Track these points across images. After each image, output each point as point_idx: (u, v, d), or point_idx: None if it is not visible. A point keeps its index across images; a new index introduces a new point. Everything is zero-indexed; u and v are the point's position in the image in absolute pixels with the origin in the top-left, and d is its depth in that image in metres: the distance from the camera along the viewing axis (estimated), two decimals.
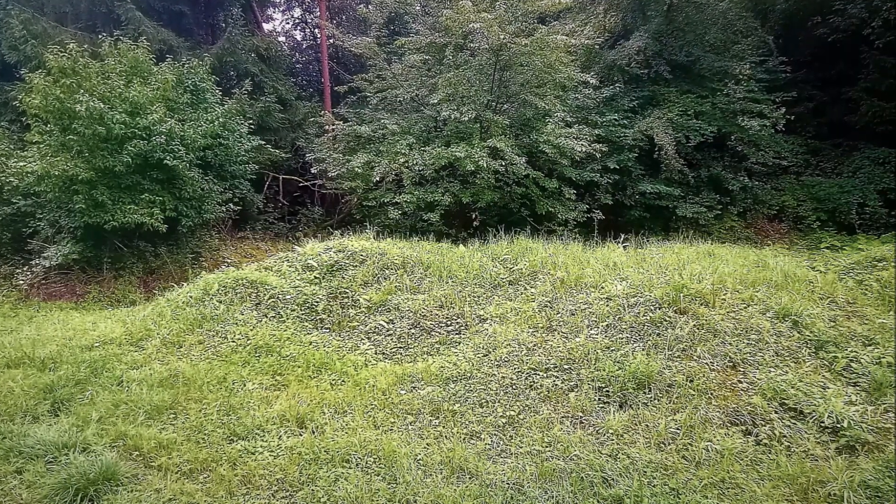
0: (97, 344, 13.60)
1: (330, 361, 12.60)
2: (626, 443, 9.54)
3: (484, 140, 25.57)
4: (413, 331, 13.58)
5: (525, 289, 14.35)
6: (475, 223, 26.11)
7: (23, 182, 21.62)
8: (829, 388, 10.42)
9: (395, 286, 14.99)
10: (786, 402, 10.10)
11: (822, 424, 9.67)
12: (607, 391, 10.62)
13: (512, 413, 10.42)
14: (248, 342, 13.33)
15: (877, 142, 30.32)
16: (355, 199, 31.25)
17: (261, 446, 9.75)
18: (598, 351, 11.46)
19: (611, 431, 9.85)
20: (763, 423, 9.81)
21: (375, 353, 13.06)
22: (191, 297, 15.27)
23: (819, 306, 12.57)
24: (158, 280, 23.61)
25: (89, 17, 32.74)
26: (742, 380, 10.64)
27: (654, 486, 8.44)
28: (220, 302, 14.74)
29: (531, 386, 11.06)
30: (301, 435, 10.09)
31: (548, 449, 9.52)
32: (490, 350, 12.26)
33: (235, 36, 35.00)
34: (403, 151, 26.17)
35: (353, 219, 31.80)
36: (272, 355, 12.86)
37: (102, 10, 31.72)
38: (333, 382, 11.87)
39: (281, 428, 10.28)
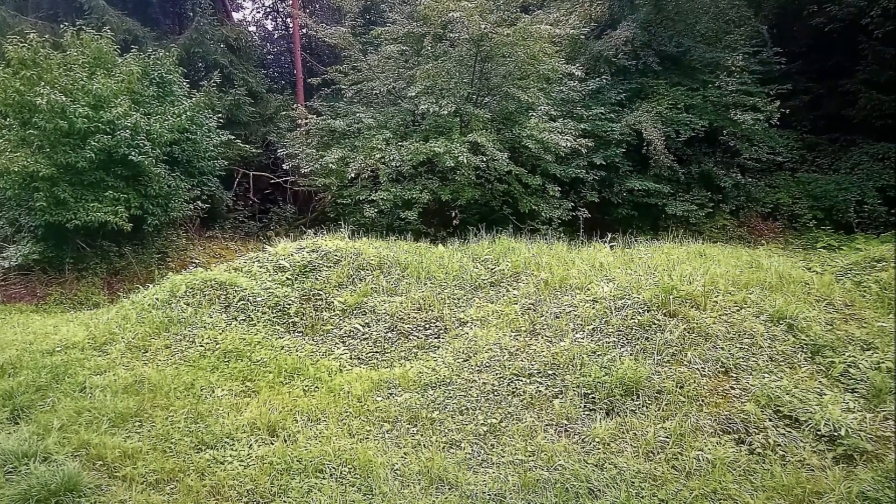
0: (59, 348, 13.09)
1: (303, 367, 12.23)
2: (613, 452, 9.30)
3: (464, 135, 24.70)
4: (390, 335, 13.20)
5: (507, 290, 13.87)
6: (455, 222, 25.07)
7: None
8: (825, 394, 10.30)
9: (371, 288, 14.43)
10: (780, 409, 9.97)
11: (819, 433, 9.54)
12: (593, 398, 10.35)
13: (493, 421, 10.11)
14: (217, 346, 12.93)
15: (875, 136, 29.35)
16: (329, 197, 29.67)
17: (230, 455, 9.46)
18: (584, 356, 11.11)
19: (597, 440, 9.57)
20: (757, 431, 9.60)
21: (350, 358, 12.68)
22: (157, 299, 14.78)
23: (815, 309, 12.41)
24: (123, 281, 22.16)
25: (51, 5, 32.21)
26: (735, 386, 10.48)
27: (642, 498, 8.34)
28: (188, 304, 14.28)
29: (513, 392, 10.71)
30: (272, 444, 9.82)
31: (531, 458, 9.26)
32: (470, 355, 11.84)
33: (203, 26, 34.05)
34: (380, 147, 25.24)
35: (327, 217, 29.84)
36: (242, 360, 12.48)
37: None
38: (306, 389, 11.53)
39: (251, 436, 10.01)
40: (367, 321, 13.65)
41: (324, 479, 8.98)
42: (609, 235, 18.52)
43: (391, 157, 24.64)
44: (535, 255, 15.16)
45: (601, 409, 10.34)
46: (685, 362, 10.83)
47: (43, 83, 20.61)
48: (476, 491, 8.52)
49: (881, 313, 12.52)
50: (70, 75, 21.63)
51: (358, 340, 13.19)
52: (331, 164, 25.55)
